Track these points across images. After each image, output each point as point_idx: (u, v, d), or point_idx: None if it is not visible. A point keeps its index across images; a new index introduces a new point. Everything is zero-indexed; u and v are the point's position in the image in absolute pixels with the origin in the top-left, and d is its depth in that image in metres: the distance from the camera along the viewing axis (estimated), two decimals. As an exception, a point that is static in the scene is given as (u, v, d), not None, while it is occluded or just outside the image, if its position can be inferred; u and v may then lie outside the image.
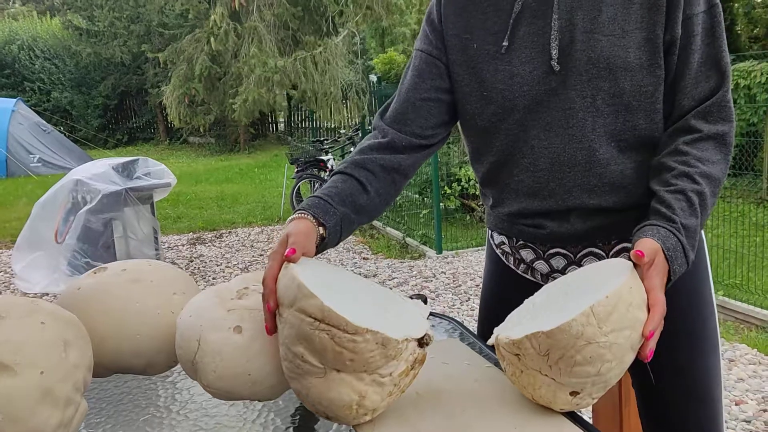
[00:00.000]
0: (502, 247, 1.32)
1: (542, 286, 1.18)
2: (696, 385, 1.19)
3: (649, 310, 0.91)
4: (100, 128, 18.30)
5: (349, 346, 0.86)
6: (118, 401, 1.14)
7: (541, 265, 1.25)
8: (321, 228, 1.08)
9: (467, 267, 5.41)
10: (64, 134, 14.63)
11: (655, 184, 1.09)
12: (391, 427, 0.94)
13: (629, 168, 1.14)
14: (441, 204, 6.24)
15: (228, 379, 1.00)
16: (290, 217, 1.08)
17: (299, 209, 1.09)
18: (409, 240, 6.27)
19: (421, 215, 6.81)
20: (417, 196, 7.26)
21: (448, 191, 6.63)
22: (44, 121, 13.34)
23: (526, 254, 1.26)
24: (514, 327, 1.02)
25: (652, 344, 0.91)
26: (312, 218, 1.07)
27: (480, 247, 5.94)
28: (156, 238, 5.57)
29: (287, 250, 0.98)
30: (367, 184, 1.17)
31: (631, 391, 1.36)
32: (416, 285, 4.99)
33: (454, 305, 4.48)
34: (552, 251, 1.22)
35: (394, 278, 5.19)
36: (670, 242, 0.99)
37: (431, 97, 1.23)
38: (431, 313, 1.46)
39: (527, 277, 1.28)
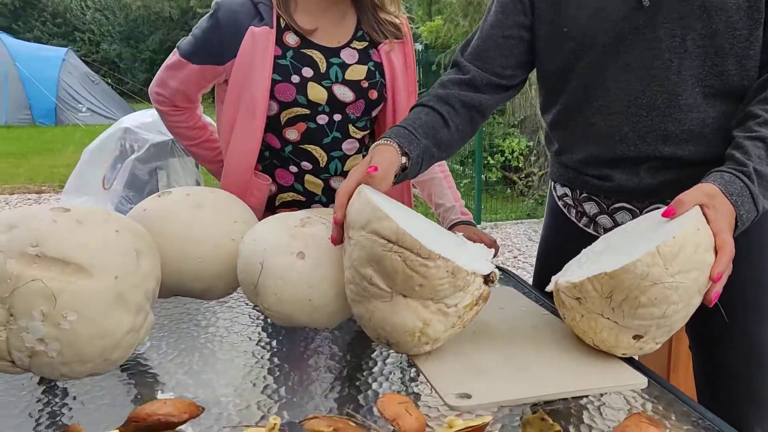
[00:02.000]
0: (564, 199, 1.30)
1: None
2: (758, 350, 1.16)
3: (716, 253, 0.89)
4: (146, 82, 18.45)
5: (420, 271, 0.87)
6: (179, 320, 1.16)
7: (604, 220, 1.23)
8: (404, 158, 1.07)
9: (506, 239, 5.38)
10: (111, 86, 14.84)
11: (736, 131, 1.05)
12: (448, 360, 0.95)
13: (711, 117, 1.10)
14: (482, 175, 6.19)
15: (288, 304, 1.01)
16: (374, 144, 1.08)
17: (384, 137, 1.09)
18: (448, 209, 6.24)
19: (462, 185, 6.77)
20: (458, 166, 7.21)
21: (491, 162, 6.57)
22: (93, 72, 13.55)
23: (590, 207, 1.24)
24: (573, 273, 1.01)
25: (718, 287, 0.89)
26: (396, 146, 1.06)
27: (519, 220, 5.90)
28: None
29: (369, 167, 0.98)
30: (448, 119, 1.16)
31: (681, 351, 1.34)
32: (454, 252, 4.99)
33: (491, 274, 4.47)
34: (617, 205, 1.20)
35: (431, 245, 5.19)
36: (734, 187, 0.96)
37: (513, 35, 1.21)
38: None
39: (589, 230, 1.27)
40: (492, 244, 1.35)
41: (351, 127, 1.44)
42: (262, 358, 1.02)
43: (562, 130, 1.24)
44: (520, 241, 5.30)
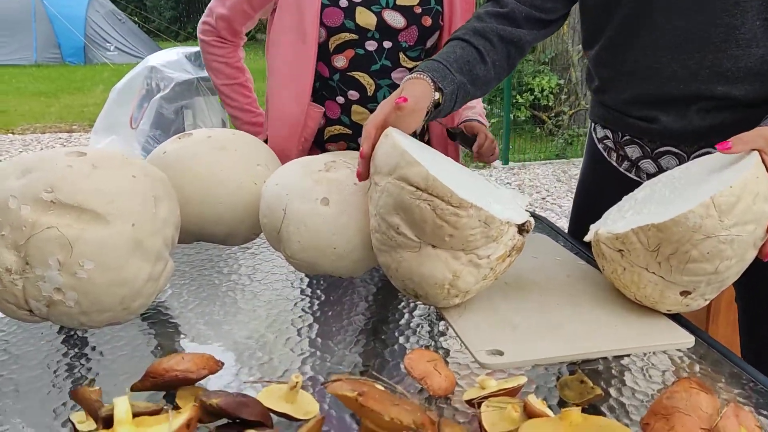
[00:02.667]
0: (604, 141, 1.22)
1: None
2: None
3: None
4: (172, 20, 18.30)
5: (451, 220, 0.81)
6: (201, 266, 1.13)
7: (647, 165, 1.15)
8: (437, 93, 1.00)
9: (533, 179, 5.27)
10: (138, 24, 14.69)
11: None
12: (479, 314, 0.90)
13: None
14: (510, 114, 6.03)
15: (312, 251, 0.97)
16: (406, 77, 1.02)
17: (416, 70, 1.02)
18: (476, 149, 6.13)
19: (489, 124, 6.60)
20: (486, 105, 7.03)
21: (520, 101, 6.38)
22: (119, 10, 13.40)
23: (632, 151, 1.17)
24: (614, 223, 0.94)
25: None
26: (430, 80, 1.00)
27: (548, 161, 5.77)
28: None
29: (398, 98, 0.92)
30: (485, 54, 1.08)
31: (722, 301, 1.27)
32: (482, 194, 4.92)
33: (520, 217, 4.41)
34: (662, 149, 1.12)
35: (459, 186, 5.13)
36: None
37: None
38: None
39: (630, 176, 1.19)
40: (494, 149, 1.38)
41: (402, 56, 1.37)
42: (284, 309, 0.99)
43: (606, 67, 1.15)
44: (549, 182, 5.19)
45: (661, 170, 1.13)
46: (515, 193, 1.01)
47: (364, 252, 0.98)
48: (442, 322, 0.92)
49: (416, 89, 0.98)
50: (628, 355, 0.82)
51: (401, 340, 0.88)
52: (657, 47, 1.05)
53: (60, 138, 6.80)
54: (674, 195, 0.90)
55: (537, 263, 1.07)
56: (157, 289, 0.90)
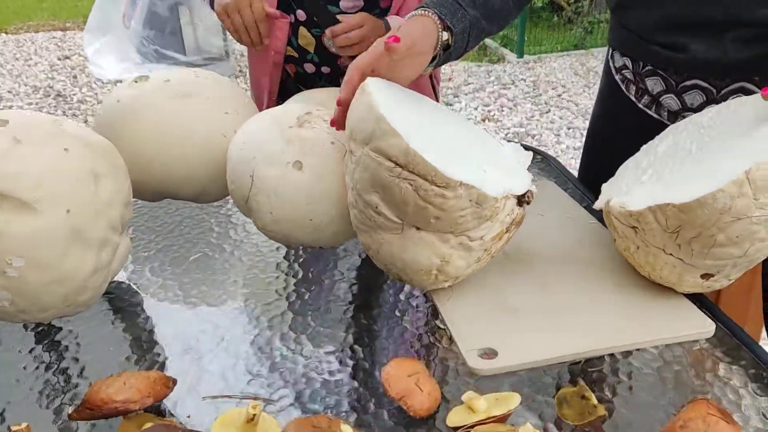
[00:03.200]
0: (623, 72, 1.06)
1: (666, 126, 0.94)
2: None
3: None
4: None
5: (436, 202, 0.69)
6: (168, 232, 1.02)
7: (670, 101, 0.99)
8: (446, 33, 0.84)
9: (549, 74, 5.00)
10: None
11: None
12: (473, 297, 0.79)
13: None
14: (527, 1, 5.65)
15: (285, 223, 0.86)
16: (409, 14, 0.85)
17: (421, 6, 0.85)
18: (487, 41, 5.80)
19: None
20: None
21: (537, -15, 5.98)
22: None
23: (653, 84, 1.01)
24: (630, 187, 0.81)
25: None
26: (437, 18, 0.83)
27: (566, 52, 5.45)
28: (223, 27, 5.32)
29: (390, 37, 0.77)
30: None
31: (757, 273, 1.13)
32: (493, 92, 4.68)
33: (532, 116, 4.20)
34: (689, 83, 0.96)
35: (469, 83, 4.87)
36: None
37: None
38: (522, 145, 1.26)
39: (649, 113, 1.04)
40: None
41: None
42: (258, 289, 0.88)
43: None
44: (566, 76, 4.93)
45: (685, 108, 0.98)
46: (517, 149, 0.87)
47: (345, 222, 0.86)
48: (430, 304, 0.82)
49: (417, 27, 0.81)
50: (639, 350, 0.71)
51: (385, 330, 0.78)
52: None
53: (54, 38, 6.52)
54: (701, 154, 0.76)
55: (542, 224, 0.95)
56: (110, 276, 0.80)
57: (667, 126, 0.94)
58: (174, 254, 0.96)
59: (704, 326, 0.73)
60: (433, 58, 0.85)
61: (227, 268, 0.92)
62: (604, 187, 0.86)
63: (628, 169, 0.86)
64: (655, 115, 1.03)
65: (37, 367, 0.75)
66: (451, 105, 4.48)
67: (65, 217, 0.72)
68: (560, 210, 0.99)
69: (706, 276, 0.73)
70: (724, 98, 0.93)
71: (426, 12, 0.84)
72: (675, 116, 1.00)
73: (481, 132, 0.89)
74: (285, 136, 0.86)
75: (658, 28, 0.96)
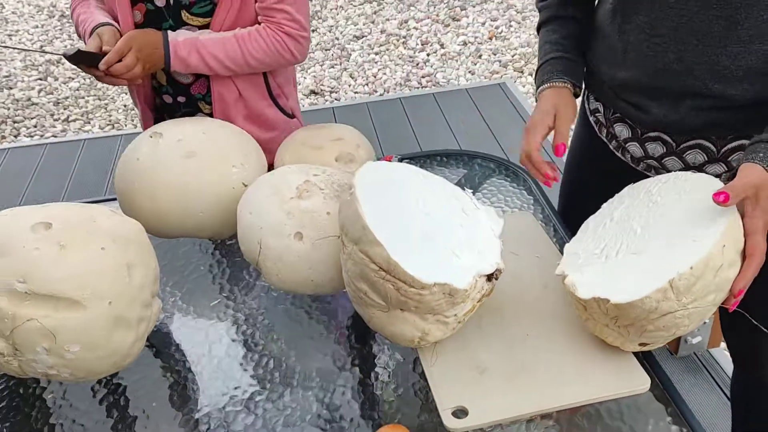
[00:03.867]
0: (596, 114, 1.15)
1: (632, 169, 1.05)
2: None
3: (744, 259, 0.81)
4: None
5: (414, 298, 0.83)
6: (187, 272, 1.17)
7: (634, 148, 1.09)
8: (577, 89, 1.09)
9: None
10: None
11: None
12: (451, 353, 0.93)
13: None
14: None
15: (290, 283, 1.00)
16: (545, 85, 1.06)
17: (557, 77, 1.06)
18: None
19: None
20: None
21: None
22: None
23: (621, 131, 1.10)
24: (586, 260, 0.92)
25: (740, 297, 0.82)
26: (571, 86, 1.05)
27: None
28: None
29: (559, 145, 0.99)
30: (581, 18, 1.11)
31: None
32: (501, 2, 4.59)
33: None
34: (652, 134, 1.06)
35: (477, -5, 4.78)
36: None
37: None
38: (505, 161, 1.36)
39: (617, 155, 1.14)
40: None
41: (184, 13, 1.31)
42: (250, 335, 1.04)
43: (599, 39, 1.05)
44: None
45: (647, 155, 1.08)
46: (491, 214, 0.99)
47: (341, 279, 1.00)
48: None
49: (566, 104, 1.04)
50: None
51: (377, 385, 0.94)
52: (653, 33, 0.96)
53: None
54: (643, 240, 0.88)
55: (516, 265, 1.07)
56: (145, 336, 0.96)
57: (633, 170, 1.05)
58: (198, 302, 1.11)
59: (642, 383, 0.88)
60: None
61: (236, 319, 1.08)
62: (567, 247, 0.98)
63: (588, 230, 0.98)
64: (622, 158, 1.13)
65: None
66: (458, 20, 4.42)
67: (108, 308, 0.87)
68: (532, 248, 1.11)
69: (643, 344, 0.87)
70: (683, 151, 1.03)
71: (564, 84, 1.06)
72: (638, 162, 1.10)
73: (460, 196, 0.99)
74: (285, 208, 0.99)
75: (624, 89, 1.05)
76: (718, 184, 0.85)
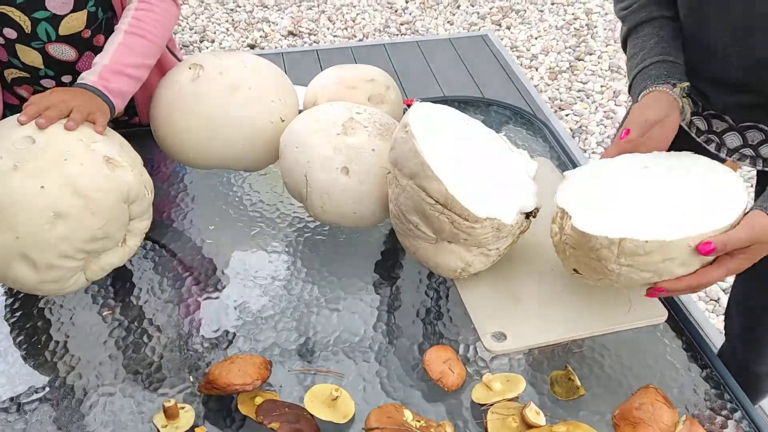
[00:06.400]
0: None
1: (693, 141, 1.13)
2: None
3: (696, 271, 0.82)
4: None
5: (466, 231, 0.89)
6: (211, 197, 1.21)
7: (699, 123, 1.14)
8: (677, 89, 1.00)
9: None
10: None
11: None
12: (488, 286, 1.01)
13: None
14: None
15: (334, 215, 1.05)
16: (648, 90, 0.99)
17: (664, 81, 0.99)
18: None
19: None
20: None
21: None
22: None
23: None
24: (580, 185, 0.97)
25: (662, 294, 0.86)
26: (669, 88, 0.99)
27: None
28: None
29: (622, 131, 0.96)
30: (674, 17, 1.06)
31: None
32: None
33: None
34: (713, 112, 1.11)
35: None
36: None
37: None
38: (521, 109, 1.42)
39: (682, 125, 1.12)
40: None
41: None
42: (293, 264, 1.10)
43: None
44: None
45: (710, 130, 1.13)
46: (525, 157, 1.05)
47: (383, 213, 1.06)
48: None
49: (654, 105, 0.97)
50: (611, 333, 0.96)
51: (411, 309, 1.01)
52: (727, 65, 1.00)
53: None
54: (648, 186, 0.91)
55: (540, 211, 1.13)
56: (65, 282, 0.95)
57: (695, 141, 1.13)
58: (233, 230, 1.15)
59: (660, 314, 0.98)
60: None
61: (278, 251, 1.13)
62: (567, 174, 1.00)
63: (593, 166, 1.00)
64: (688, 130, 1.16)
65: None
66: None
67: (14, 240, 0.90)
68: (551, 192, 1.17)
69: (575, 271, 0.91)
70: (743, 129, 1.08)
71: (668, 90, 0.98)
72: (701, 134, 1.14)
73: (498, 147, 1.05)
74: (333, 143, 1.03)
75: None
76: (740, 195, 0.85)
